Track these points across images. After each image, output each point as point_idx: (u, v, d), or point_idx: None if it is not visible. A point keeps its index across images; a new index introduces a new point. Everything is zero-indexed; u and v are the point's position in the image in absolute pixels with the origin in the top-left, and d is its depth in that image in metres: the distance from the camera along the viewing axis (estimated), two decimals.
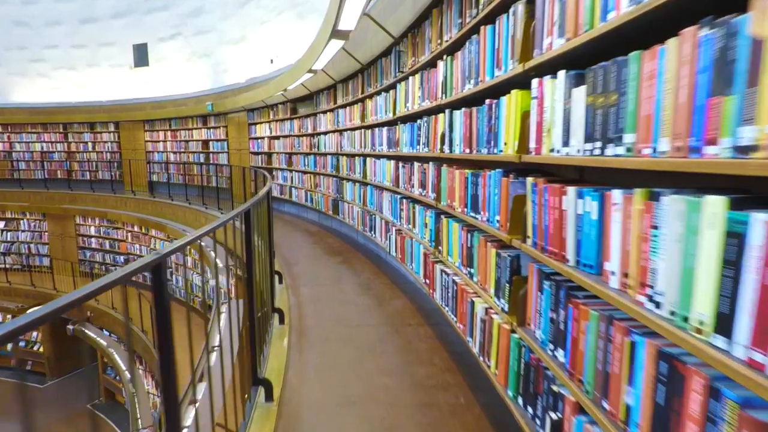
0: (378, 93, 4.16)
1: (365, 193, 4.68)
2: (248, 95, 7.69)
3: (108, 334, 9.80)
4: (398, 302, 3.51)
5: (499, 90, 1.82)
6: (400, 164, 3.51)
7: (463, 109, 2.21)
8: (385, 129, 3.96)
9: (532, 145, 1.54)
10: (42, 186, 12.02)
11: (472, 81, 2.11)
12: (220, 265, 5.48)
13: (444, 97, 2.51)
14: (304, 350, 2.67)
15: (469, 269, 2.15)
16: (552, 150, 1.40)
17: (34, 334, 11.36)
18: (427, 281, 2.86)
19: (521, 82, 1.62)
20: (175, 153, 11.65)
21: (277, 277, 3.90)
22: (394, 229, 3.72)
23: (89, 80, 12.97)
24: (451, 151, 2.41)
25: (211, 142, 10.61)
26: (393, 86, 3.69)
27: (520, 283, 1.62)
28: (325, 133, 6.22)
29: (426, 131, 2.85)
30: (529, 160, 1.57)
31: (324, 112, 6.29)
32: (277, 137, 8.14)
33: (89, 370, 10.59)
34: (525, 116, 1.57)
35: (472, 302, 2.05)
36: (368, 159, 4.53)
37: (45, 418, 8.72)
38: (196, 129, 10.95)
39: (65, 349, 10.64)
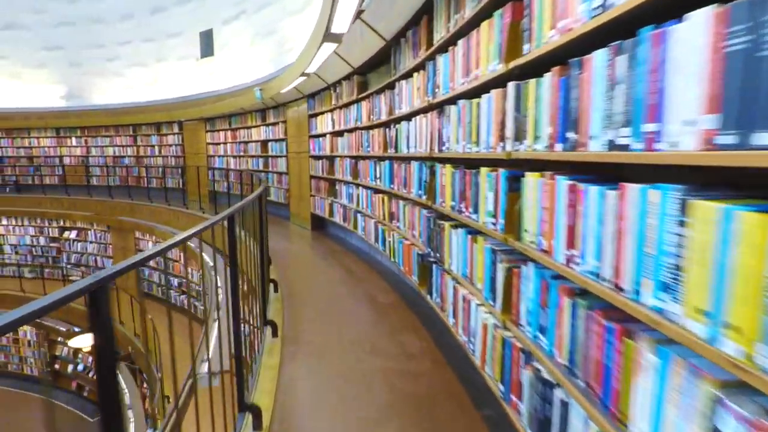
0: None
1: (514, 280, 1.50)
2: (291, 69, 4.94)
3: (145, 378, 7.98)
4: None
5: None
6: None
7: None
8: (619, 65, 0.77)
9: None
10: (107, 194, 10.86)
11: None
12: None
13: None
14: None
15: None
16: None
17: (89, 359, 10.25)
18: None
19: None
20: (234, 157, 9.64)
21: None
22: None
23: (158, 76, 11.67)
24: None
25: (269, 144, 8.27)
26: None
27: None
28: (407, 118, 3.15)
29: None
30: None
31: (406, 77, 3.21)
32: (341, 133, 5.28)
33: None
34: None
35: None
36: (530, 178, 1.36)
37: None
38: (254, 127, 8.75)
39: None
